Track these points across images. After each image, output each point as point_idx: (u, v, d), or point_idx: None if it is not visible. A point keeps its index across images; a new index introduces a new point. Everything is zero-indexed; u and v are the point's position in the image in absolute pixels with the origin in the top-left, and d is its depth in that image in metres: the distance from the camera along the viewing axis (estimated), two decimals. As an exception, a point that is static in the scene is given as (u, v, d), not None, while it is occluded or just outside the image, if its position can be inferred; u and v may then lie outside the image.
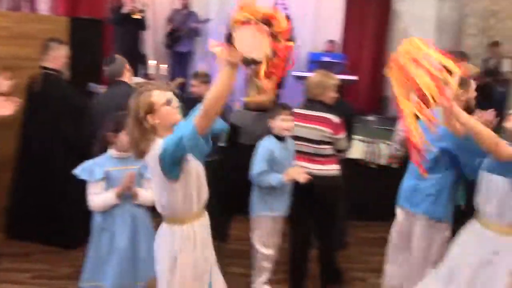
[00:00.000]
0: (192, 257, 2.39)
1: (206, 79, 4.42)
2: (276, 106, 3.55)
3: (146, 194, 2.93)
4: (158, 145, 2.24)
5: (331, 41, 8.38)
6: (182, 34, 7.73)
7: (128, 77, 4.01)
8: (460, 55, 8.81)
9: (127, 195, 2.89)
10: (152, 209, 3.00)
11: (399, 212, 3.36)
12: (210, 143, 2.30)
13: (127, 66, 4.02)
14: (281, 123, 3.39)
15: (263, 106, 3.80)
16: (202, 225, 2.46)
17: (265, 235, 3.50)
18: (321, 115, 3.60)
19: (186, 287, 2.38)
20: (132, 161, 2.93)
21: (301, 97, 5.72)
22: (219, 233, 4.00)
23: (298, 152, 3.60)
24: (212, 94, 2.08)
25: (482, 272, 2.55)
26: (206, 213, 2.52)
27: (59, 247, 4.24)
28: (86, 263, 2.95)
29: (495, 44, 8.25)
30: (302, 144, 3.60)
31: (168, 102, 2.32)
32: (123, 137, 2.86)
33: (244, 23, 2.03)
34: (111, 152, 2.95)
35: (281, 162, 3.40)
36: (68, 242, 4.23)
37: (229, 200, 3.78)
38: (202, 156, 2.30)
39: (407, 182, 3.28)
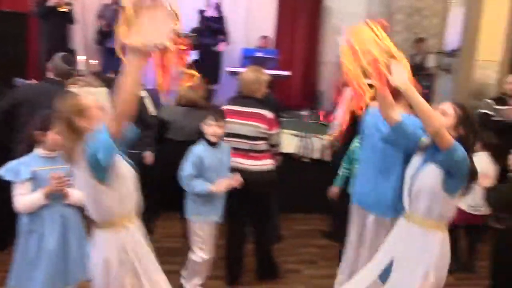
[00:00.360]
0: (124, 260, 2.35)
1: None
2: (209, 110, 3.51)
3: (77, 193, 2.84)
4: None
5: (264, 37, 8.45)
6: (113, 30, 7.54)
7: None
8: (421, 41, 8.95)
9: (57, 195, 2.79)
10: (82, 209, 2.94)
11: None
12: (134, 132, 2.31)
13: None
14: (208, 128, 3.36)
15: (193, 101, 3.78)
16: (134, 229, 2.42)
17: (201, 239, 3.45)
18: (256, 111, 3.63)
19: None
20: (60, 160, 2.84)
21: (235, 92, 5.61)
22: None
23: (234, 149, 3.61)
24: (121, 91, 2.01)
25: (403, 266, 2.61)
26: (136, 217, 2.47)
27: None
28: (13, 267, 2.82)
29: (420, 40, 8.60)
30: (238, 141, 3.62)
31: (97, 105, 2.29)
32: (52, 136, 2.76)
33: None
34: (38, 151, 2.83)
35: (211, 169, 3.36)
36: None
37: (155, 195, 3.75)
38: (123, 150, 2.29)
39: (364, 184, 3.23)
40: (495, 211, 3.57)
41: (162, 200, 3.72)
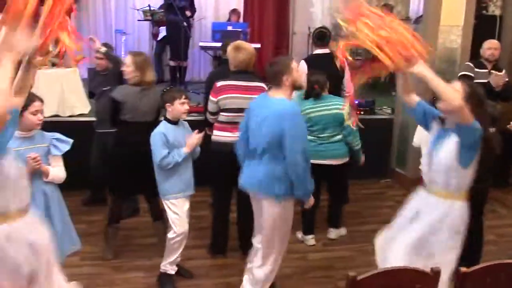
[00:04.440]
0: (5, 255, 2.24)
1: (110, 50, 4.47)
2: (170, 90, 3.53)
3: (56, 171, 2.93)
4: None
5: (234, 10, 8.48)
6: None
7: None
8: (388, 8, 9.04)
9: (36, 174, 2.86)
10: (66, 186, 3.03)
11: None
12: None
13: None
14: (179, 107, 3.41)
15: (147, 82, 3.80)
16: (23, 225, 2.31)
17: (177, 215, 3.47)
18: (257, 84, 3.73)
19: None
20: (37, 140, 2.92)
21: (207, 66, 5.57)
22: (109, 215, 4.02)
23: (234, 123, 3.64)
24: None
25: (427, 235, 2.75)
26: (31, 214, 2.40)
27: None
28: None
29: (387, 7, 8.64)
30: (242, 115, 3.57)
31: None
32: (28, 115, 2.82)
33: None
34: (15, 132, 2.88)
35: (176, 144, 3.40)
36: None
37: (117, 180, 3.83)
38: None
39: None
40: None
41: (124, 184, 3.79)
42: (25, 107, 2.80)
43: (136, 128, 3.49)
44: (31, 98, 2.86)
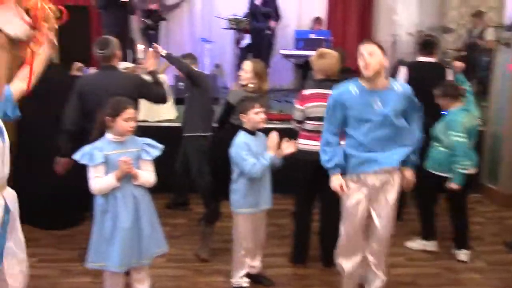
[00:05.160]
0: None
1: (194, 60, 4.58)
2: (245, 101, 3.49)
3: (146, 175, 3.04)
4: None
5: (317, 18, 8.46)
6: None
7: (116, 62, 3.87)
8: (443, 30, 8.91)
9: (127, 177, 2.99)
10: (152, 190, 3.14)
11: None
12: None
13: (118, 50, 3.87)
14: (254, 116, 3.35)
15: (263, 90, 3.85)
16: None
17: (248, 230, 3.44)
18: None
19: None
20: (130, 144, 3.05)
21: (289, 74, 5.50)
22: (208, 215, 4.12)
23: (316, 132, 3.61)
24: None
25: None
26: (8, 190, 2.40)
27: (60, 228, 4.41)
28: (91, 244, 3.05)
29: (479, 14, 8.34)
30: None
31: None
32: (121, 122, 2.96)
33: None
34: (109, 136, 3.03)
35: (257, 155, 3.33)
36: (70, 223, 4.42)
37: (217, 181, 3.89)
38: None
39: None
40: None
41: (220, 187, 3.79)
42: (118, 114, 2.95)
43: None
44: (125, 105, 3.02)
